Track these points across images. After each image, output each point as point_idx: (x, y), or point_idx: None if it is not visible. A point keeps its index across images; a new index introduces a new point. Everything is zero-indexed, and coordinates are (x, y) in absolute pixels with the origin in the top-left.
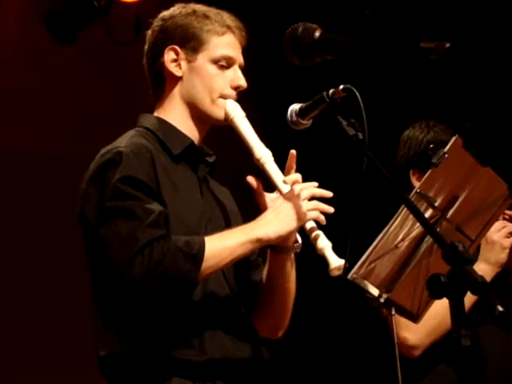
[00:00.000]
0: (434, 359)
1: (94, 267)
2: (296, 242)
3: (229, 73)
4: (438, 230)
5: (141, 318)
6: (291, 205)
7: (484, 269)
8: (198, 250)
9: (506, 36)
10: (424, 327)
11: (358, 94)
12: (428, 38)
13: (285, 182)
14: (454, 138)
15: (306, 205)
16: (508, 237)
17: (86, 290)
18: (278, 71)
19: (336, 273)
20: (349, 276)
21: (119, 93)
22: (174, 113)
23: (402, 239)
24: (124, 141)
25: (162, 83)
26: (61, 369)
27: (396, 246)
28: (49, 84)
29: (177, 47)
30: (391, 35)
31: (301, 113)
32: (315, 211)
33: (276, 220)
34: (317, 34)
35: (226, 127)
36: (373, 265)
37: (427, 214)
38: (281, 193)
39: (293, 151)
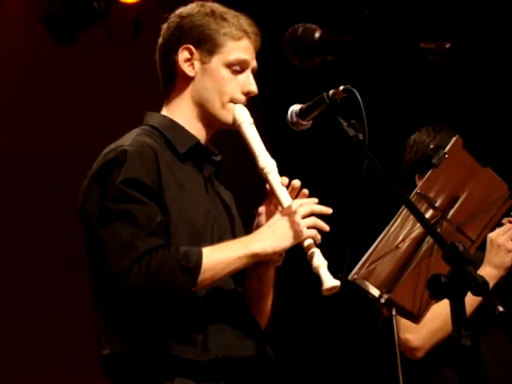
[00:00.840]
0: (437, 363)
1: (94, 266)
2: (280, 255)
3: (241, 77)
4: (438, 230)
5: (143, 316)
6: (289, 221)
7: (489, 272)
8: (195, 262)
9: (506, 36)
10: (426, 329)
11: (358, 94)
12: (428, 39)
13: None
14: (454, 139)
15: (303, 222)
16: None
17: (87, 289)
18: (278, 72)
19: (328, 293)
20: (349, 277)
21: (119, 93)
22: (182, 112)
23: (403, 240)
24: (129, 139)
25: (172, 80)
26: (60, 368)
27: (397, 247)
28: (49, 85)
29: (192, 47)
30: (391, 36)
31: (301, 114)
32: (313, 230)
33: (273, 236)
34: (317, 34)
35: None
36: (373, 265)
37: (428, 215)
38: (281, 205)
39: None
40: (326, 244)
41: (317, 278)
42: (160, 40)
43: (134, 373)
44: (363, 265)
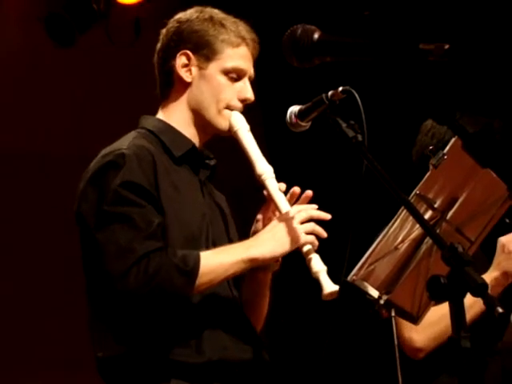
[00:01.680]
0: (436, 369)
1: (90, 269)
2: (277, 260)
3: (238, 85)
4: (437, 231)
5: (138, 319)
6: (287, 227)
7: (498, 277)
8: (193, 265)
9: (506, 36)
10: (432, 330)
11: (357, 95)
12: (427, 40)
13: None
14: (453, 140)
15: (301, 227)
16: None
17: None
18: (277, 73)
19: (329, 298)
20: (348, 278)
21: (119, 95)
22: (178, 117)
23: (402, 241)
24: (126, 142)
25: (170, 85)
26: (60, 368)
27: (396, 248)
28: (48, 86)
29: (189, 52)
30: (390, 37)
31: (300, 115)
32: (311, 236)
33: (272, 241)
34: (316, 35)
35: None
36: (372, 266)
37: (427, 216)
38: (279, 211)
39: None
40: (325, 245)
41: (315, 281)
42: (158, 45)
43: (130, 375)
44: (362, 266)
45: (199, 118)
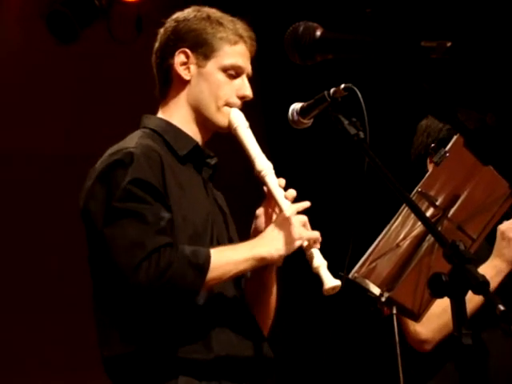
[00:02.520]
0: (441, 358)
1: (96, 266)
2: None
3: (236, 82)
4: (439, 229)
5: (145, 317)
6: (293, 223)
7: (498, 265)
8: (203, 260)
9: (506, 36)
10: (437, 322)
11: (359, 92)
12: (429, 37)
13: (286, 198)
14: (455, 137)
15: (306, 224)
16: None
17: (87, 289)
18: (279, 70)
19: (330, 292)
20: (350, 275)
21: (120, 92)
22: (179, 115)
23: (404, 238)
24: (133, 141)
25: (168, 84)
26: (60, 368)
27: (397, 245)
28: (50, 83)
29: (188, 51)
30: (392, 34)
31: (302, 112)
32: (316, 232)
33: (279, 239)
34: (318, 33)
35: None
36: (374, 264)
37: (428, 213)
38: (280, 207)
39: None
40: (327, 243)
41: (317, 277)
42: (156, 44)
43: (137, 373)
44: (364, 263)
45: (199, 116)
